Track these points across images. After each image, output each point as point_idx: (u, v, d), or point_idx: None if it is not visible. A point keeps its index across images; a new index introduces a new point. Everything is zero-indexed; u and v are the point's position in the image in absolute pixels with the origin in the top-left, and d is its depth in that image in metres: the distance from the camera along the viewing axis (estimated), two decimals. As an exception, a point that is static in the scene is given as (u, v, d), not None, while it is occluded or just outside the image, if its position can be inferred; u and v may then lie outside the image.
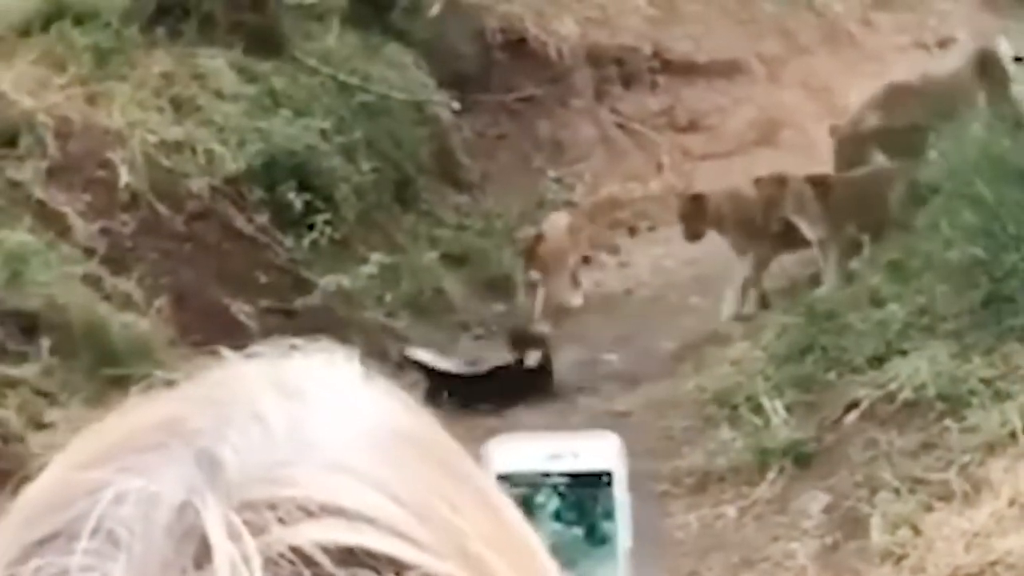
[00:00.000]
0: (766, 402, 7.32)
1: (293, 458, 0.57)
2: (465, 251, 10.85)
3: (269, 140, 10.22)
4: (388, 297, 10.00)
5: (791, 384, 7.48)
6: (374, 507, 0.56)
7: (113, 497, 0.55)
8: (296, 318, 9.26)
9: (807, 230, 9.35)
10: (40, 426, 6.81)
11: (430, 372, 8.89)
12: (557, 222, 10.50)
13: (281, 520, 0.55)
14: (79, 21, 10.74)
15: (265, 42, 11.09)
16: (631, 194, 12.03)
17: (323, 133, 10.61)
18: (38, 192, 9.22)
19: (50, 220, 8.98)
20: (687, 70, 12.68)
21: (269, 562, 0.53)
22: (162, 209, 9.61)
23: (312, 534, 0.55)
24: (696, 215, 9.75)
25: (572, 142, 12.21)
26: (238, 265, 9.60)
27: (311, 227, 9.92)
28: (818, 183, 9.43)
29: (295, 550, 0.54)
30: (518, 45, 12.33)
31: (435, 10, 11.86)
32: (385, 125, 11.03)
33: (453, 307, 10.38)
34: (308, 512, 0.55)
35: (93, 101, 10.11)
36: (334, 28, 11.36)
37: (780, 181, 9.57)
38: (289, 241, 9.85)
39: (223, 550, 0.53)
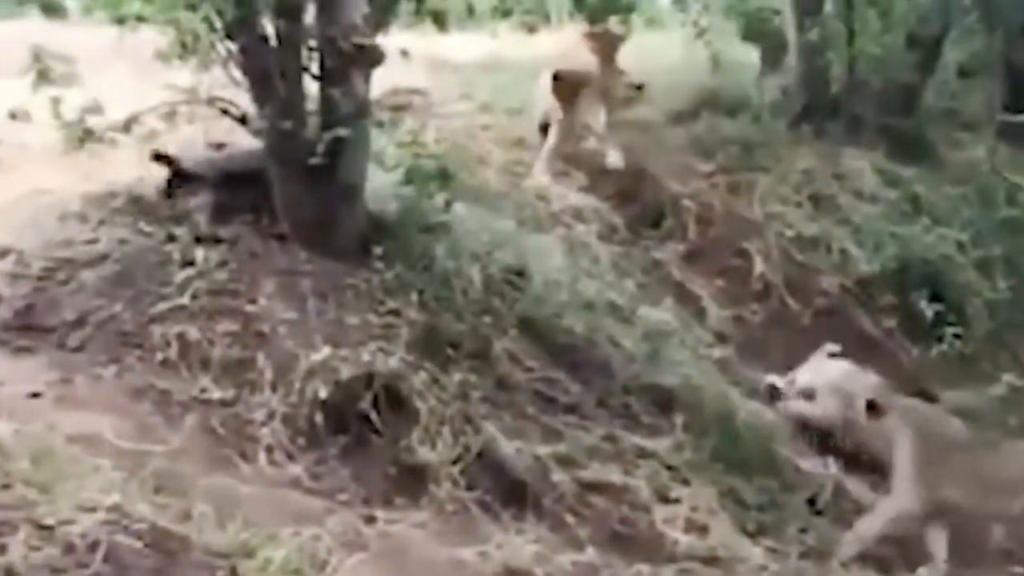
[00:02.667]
0: None
1: None
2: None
3: (905, 246, 10.10)
4: (1012, 421, 9.56)
5: None
6: None
7: None
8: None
9: None
10: (666, 500, 6.95)
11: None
12: None
13: None
14: (730, 112, 11.05)
15: (911, 147, 11.00)
16: None
17: (960, 245, 10.37)
18: (677, 273, 9.52)
19: (687, 301, 9.23)
20: None
21: None
22: (791, 303, 9.67)
23: None
24: None
25: None
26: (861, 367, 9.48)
27: (940, 339, 9.67)
28: None
29: None
30: None
31: None
32: (1025, 243, 10.63)
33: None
34: None
35: (735, 190, 10.35)
36: (986, 139, 11.09)
37: None
38: (916, 350, 9.64)
39: None
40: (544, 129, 9.96)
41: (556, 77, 9.80)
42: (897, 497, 7.24)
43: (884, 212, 10.39)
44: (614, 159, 9.98)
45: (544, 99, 9.92)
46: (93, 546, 4.39)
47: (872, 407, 7.32)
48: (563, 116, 9.84)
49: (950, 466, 7.24)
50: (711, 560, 6.62)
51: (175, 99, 7.38)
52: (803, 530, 7.28)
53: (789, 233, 10.03)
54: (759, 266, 9.73)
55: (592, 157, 10.12)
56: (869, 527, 7.25)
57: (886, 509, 7.28)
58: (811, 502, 7.61)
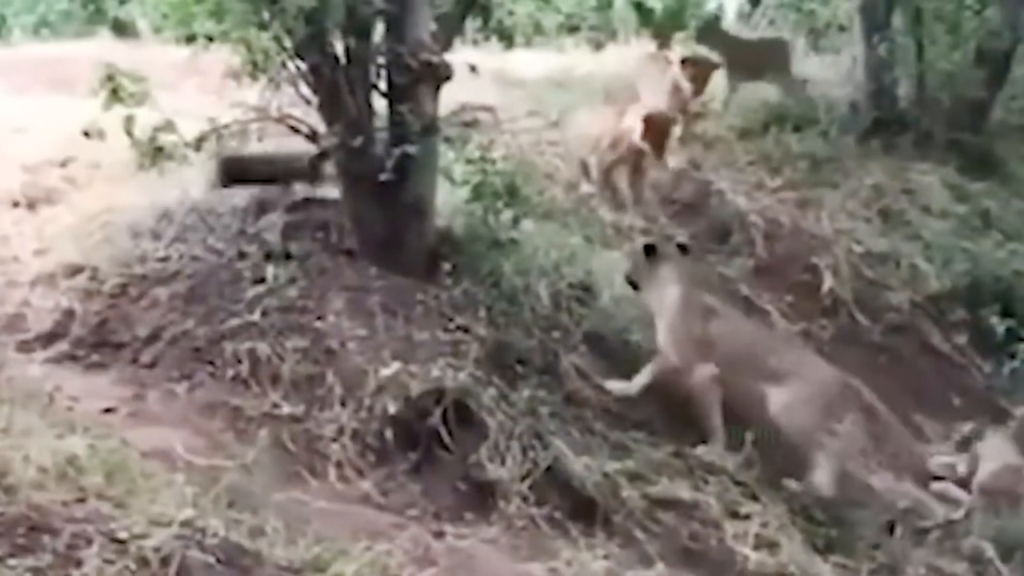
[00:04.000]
0: None
1: None
2: None
3: (976, 262, 10.01)
4: (1086, 438, 9.43)
5: None
6: None
7: None
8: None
9: None
10: (736, 516, 6.90)
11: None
12: None
13: None
14: (797, 128, 11.01)
15: (980, 162, 10.91)
16: None
17: (1032, 260, 10.27)
18: (745, 289, 9.47)
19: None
20: None
21: None
22: (861, 318, 9.61)
23: None
24: None
25: None
26: (932, 383, 9.41)
27: (1012, 355, 9.57)
28: None
29: None
30: None
31: None
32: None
33: None
34: None
35: (804, 206, 10.30)
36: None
37: None
38: (988, 366, 9.55)
39: None
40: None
41: (647, 122, 9.78)
42: (663, 348, 7.39)
43: (954, 227, 10.31)
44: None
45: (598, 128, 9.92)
46: (166, 560, 4.41)
47: (649, 249, 7.60)
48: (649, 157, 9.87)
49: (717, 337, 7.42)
50: (781, 577, 6.58)
51: (246, 117, 7.44)
52: (874, 546, 7.21)
53: (858, 249, 9.97)
54: (828, 282, 9.67)
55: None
56: (637, 382, 7.33)
57: (655, 363, 7.36)
58: (890, 529, 7.50)
